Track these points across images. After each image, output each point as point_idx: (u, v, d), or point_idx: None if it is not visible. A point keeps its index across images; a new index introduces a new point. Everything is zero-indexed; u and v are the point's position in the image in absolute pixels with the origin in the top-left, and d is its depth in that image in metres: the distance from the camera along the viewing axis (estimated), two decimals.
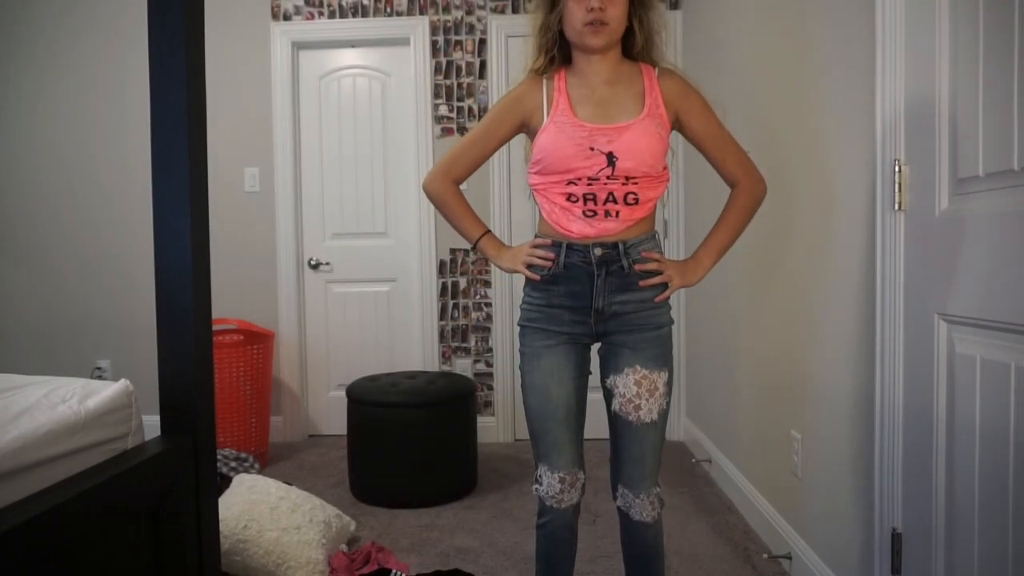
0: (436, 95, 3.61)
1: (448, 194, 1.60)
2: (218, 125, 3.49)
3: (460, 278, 3.66)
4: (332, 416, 3.72)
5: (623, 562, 1.62)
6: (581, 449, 1.54)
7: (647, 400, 1.46)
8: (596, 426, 1.90)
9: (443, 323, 3.67)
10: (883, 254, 1.55)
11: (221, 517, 1.72)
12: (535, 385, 1.51)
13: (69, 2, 3.64)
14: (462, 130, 3.59)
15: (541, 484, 1.52)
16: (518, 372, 1.58)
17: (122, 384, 1.29)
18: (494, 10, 3.59)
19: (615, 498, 1.55)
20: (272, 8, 3.62)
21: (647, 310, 1.49)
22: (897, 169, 1.50)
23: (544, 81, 1.52)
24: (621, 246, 1.46)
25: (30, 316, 3.73)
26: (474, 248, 1.61)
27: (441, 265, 3.65)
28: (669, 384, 1.50)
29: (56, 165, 3.69)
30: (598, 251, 1.46)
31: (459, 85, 3.61)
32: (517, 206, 3.60)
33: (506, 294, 3.61)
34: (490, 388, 3.67)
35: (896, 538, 1.56)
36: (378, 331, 3.75)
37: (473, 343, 3.67)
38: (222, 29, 3.54)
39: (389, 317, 3.75)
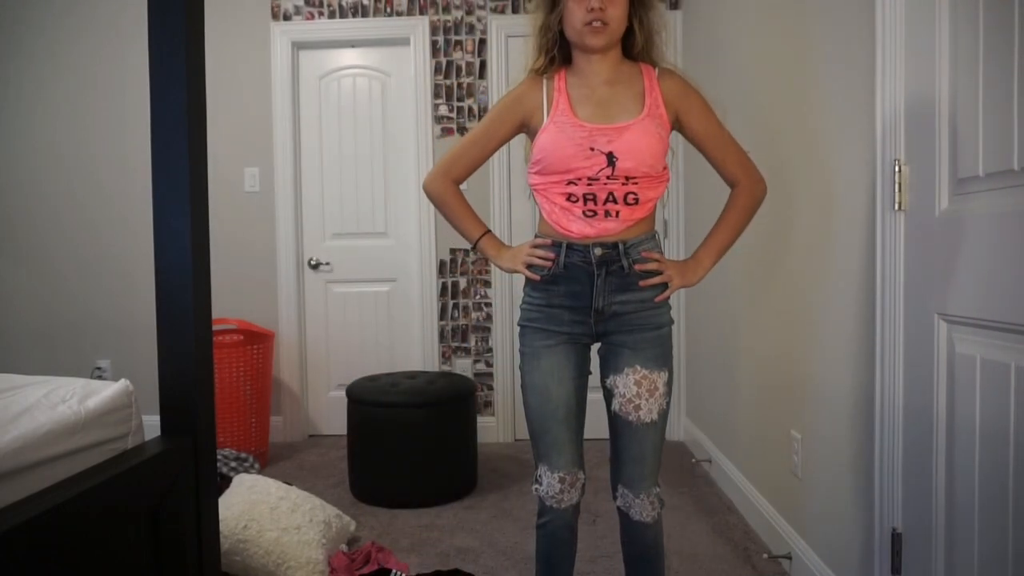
0: (436, 95, 3.61)
1: (448, 194, 1.60)
2: (218, 125, 3.49)
3: (460, 278, 3.66)
4: (332, 416, 3.72)
5: (623, 562, 1.62)
6: (581, 449, 1.54)
7: (647, 400, 1.46)
8: (596, 426, 1.90)
9: (443, 323, 3.67)
10: (883, 254, 1.55)
11: (221, 517, 1.72)
12: (535, 385, 1.51)
13: (69, 2, 3.64)
14: (462, 130, 3.59)
15: (541, 484, 1.52)
16: (518, 372, 1.58)
17: (122, 384, 1.29)
18: (494, 10, 3.59)
19: (615, 498, 1.55)
20: (272, 8, 3.62)
21: (647, 310, 1.49)
22: (897, 169, 1.50)
23: (544, 81, 1.52)
24: (621, 246, 1.46)
25: (30, 316, 3.73)
26: (474, 248, 1.61)
27: (441, 265, 3.65)
28: (669, 384, 1.50)
29: (56, 165, 3.69)
30: (598, 251, 1.46)
31: (459, 85, 3.61)
32: (517, 206, 3.60)
33: (506, 294, 3.61)
34: (490, 388, 3.67)
35: (896, 538, 1.56)
36: (378, 331, 3.75)
37: (473, 343, 3.67)
38: (222, 29, 3.54)
39: (389, 317, 3.75)
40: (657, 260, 1.48)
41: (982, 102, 1.25)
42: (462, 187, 1.62)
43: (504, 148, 1.91)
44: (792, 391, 2.12)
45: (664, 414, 1.49)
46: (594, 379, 1.56)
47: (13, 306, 3.73)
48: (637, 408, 1.46)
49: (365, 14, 3.63)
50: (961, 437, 1.33)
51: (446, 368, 3.66)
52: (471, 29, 3.60)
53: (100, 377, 3.58)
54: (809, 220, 1.98)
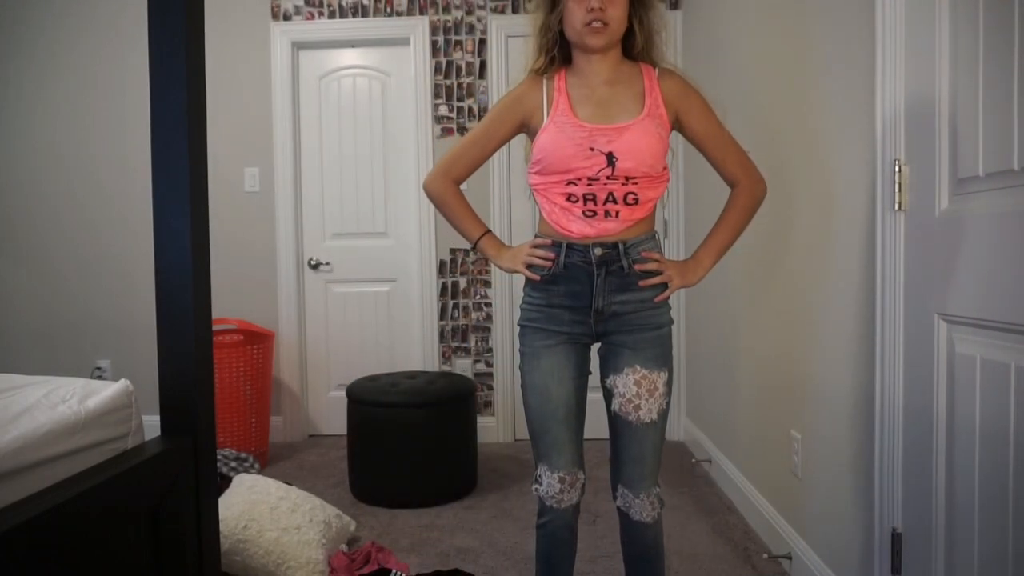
0: (436, 95, 3.61)
1: (448, 194, 1.60)
2: (218, 125, 3.49)
3: (460, 278, 3.66)
4: (332, 416, 3.72)
5: (623, 562, 1.62)
6: (581, 449, 1.54)
7: (647, 400, 1.46)
8: (596, 426, 1.90)
9: (443, 323, 3.67)
10: (883, 254, 1.55)
11: (221, 517, 1.72)
12: (535, 385, 1.51)
13: (69, 2, 3.64)
14: (462, 130, 3.59)
15: (541, 484, 1.52)
16: (518, 372, 1.58)
17: (122, 384, 1.29)
18: (494, 10, 3.59)
19: (615, 498, 1.55)
20: (272, 8, 3.62)
21: (647, 310, 1.49)
22: (897, 169, 1.50)
23: (544, 81, 1.52)
24: (621, 246, 1.46)
25: (30, 316, 3.73)
26: (474, 248, 1.61)
27: (441, 265, 3.65)
28: (669, 384, 1.50)
29: (56, 165, 3.69)
30: (598, 251, 1.46)
31: (459, 85, 3.61)
32: (517, 206, 3.60)
33: (506, 294, 3.61)
34: (490, 388, 3.67)
35: (896, 538, 1.56)
36: (378, 331, 3.75)
37: (473, 343, 3.67)
38: (222, 29, 3.54)
39: (389, 317, 3.75)
40: (657, 260, 1.48)
41: (982, 102, 1.25)
42: (462, 187, 1.62)
43: (504, 148, 1.91)
44: (792, 391, 2.12)
45: (664, 414, 1.49)
46: (594, 379, 1.56)
47: (13, 306, 3.73)
48: (637, 408, 1.46)
49: (365, 14, 3.63)
50: (961, 437, 1.32)
51: (446, 368, 3.66)
52: (471, 29, 3.60)
53: (100, 377, 3.58)
54: (809, 220, 1.98)
